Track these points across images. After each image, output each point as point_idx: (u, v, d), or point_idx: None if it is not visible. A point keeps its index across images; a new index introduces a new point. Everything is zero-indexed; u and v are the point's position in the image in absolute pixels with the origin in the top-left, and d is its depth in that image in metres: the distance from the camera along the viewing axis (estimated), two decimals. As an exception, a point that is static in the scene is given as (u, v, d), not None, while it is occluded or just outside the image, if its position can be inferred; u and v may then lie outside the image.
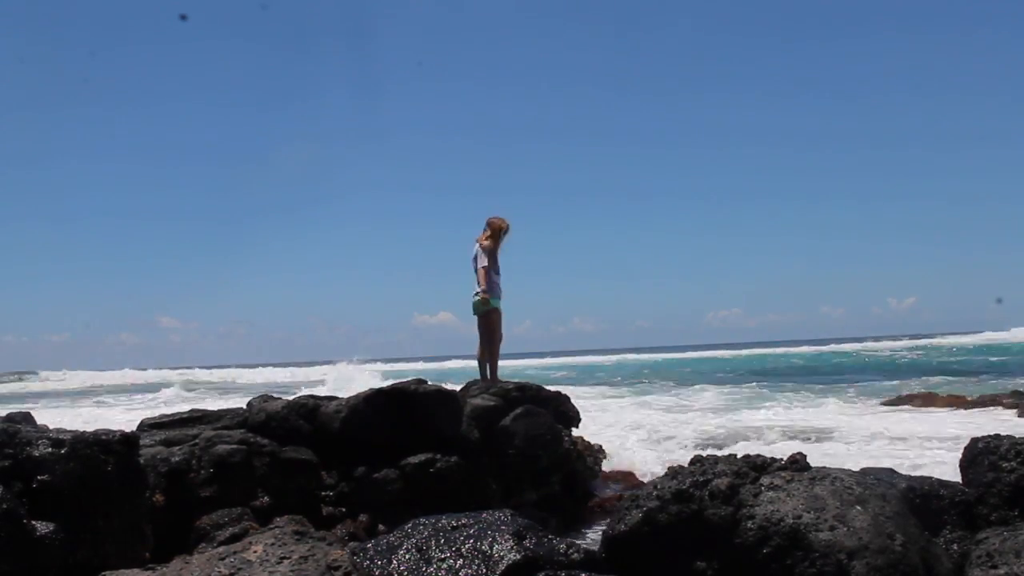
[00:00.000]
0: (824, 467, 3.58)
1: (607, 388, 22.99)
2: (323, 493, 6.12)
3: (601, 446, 8.81)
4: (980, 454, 4.21)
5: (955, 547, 3.76)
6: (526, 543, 3.10)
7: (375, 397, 6.46)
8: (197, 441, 5.99)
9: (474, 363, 8.64)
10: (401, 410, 6.42)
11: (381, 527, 5.78)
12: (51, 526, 3.87)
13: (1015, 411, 12.25)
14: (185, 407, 8.55)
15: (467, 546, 3.08)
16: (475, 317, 8.44)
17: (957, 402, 14.05)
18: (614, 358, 52.17)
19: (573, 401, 8.04)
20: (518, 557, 3.01)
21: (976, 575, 3.34)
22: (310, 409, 6.49)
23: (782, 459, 3.66)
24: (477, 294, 8.30)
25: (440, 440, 6.42)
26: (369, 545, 3.26)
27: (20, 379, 47.71)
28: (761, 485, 3.39)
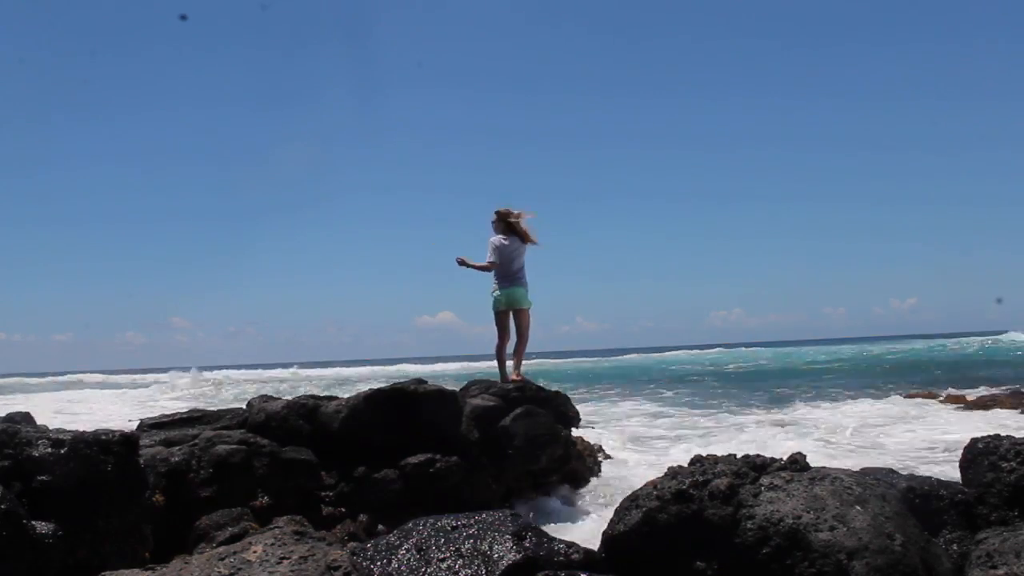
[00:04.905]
0: (823, 467, 3.57)
1: (608, 388, 23.00)
2: (323, 493, 6.12)
3: (601, 446, 8.82)
4: (980, 454, 4.20)
5: (955, 547, 3.75)
6: (526, 543, 3.09)
7: (375, 397, 6.46)
8: (197, 441, 5.98)
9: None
10: (401, 410, 6.41)
11: (381, 527, 5.77)
12: (51, 526, 3.87)
13: (1015, 411, 12.25)
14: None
15: (467, 546, 3.08)
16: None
17: (957, 401, 14.06)
18: (616, 358, 52.16)
19: (573, 401, 8.04)
20: (518, 557, 3.01)
21: (976, 575, 3.34)
22: (310, 409, 6.49)
23: (782, 459, 3.66)
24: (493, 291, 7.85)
25: (440, 440, 6.41)
26: (369, 545, 3.25)
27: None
28: (761, 485, 3.39)
